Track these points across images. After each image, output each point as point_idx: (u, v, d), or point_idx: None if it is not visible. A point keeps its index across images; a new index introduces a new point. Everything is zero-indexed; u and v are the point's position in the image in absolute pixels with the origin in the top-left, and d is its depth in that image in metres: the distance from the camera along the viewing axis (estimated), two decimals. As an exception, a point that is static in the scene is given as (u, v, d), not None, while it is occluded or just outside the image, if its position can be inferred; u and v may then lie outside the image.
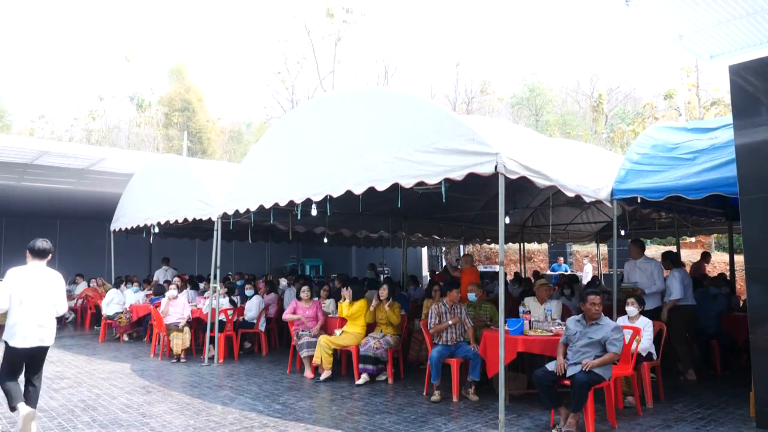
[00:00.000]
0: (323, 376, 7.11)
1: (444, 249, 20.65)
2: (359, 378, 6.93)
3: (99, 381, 7.20)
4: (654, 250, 23.62)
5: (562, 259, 18.68)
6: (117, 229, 11.99)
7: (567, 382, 4.89)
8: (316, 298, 8.47)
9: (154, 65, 61.63)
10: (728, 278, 9.93)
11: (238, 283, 12.40)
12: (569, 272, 16.35)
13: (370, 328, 7.41)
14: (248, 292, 9.59)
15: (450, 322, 6.27)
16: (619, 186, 6.45)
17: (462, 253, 21.37)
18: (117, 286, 11.51)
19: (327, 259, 21.30)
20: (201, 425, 5.21)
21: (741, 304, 8.46)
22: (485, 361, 5.94)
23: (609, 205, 6.49)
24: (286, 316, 8.00)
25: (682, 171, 6.24)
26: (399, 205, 6.99)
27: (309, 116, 7.28)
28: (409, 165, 5.70)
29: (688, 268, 9.51)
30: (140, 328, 11.07)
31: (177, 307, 9.00)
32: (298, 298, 8.21)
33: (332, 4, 34.57)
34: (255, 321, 9.19)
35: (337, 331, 7.36)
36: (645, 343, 5.88)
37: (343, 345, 7.18)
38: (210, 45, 66.29)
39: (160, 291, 10.70)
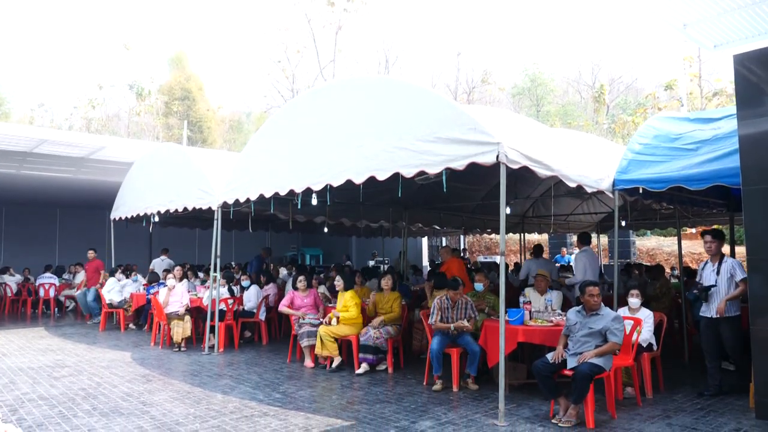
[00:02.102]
0: (335, 364, 7.11)
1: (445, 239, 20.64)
2: (359, 367, 6.94)
3: (99, 369, 7.22)
4: (654, 242, 23.65)
5: (564, 250, 18.69)
6: (117, 218, 11.98)
7: (568, 372, 4.90)
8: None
9: (154, 54, 61.36)
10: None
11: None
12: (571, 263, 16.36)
13: (367, 316, 7.42)
14: (245, 282, 9.58)
15: (452, 327, 6.18)
16: (621, 176, 6.42)
17: (462, 244, 21.41)
18: (112, 274, 11.49)
19: (327, 248, 21.31)
20: (201, 414, 5.22)
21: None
22: (486, 352, 5.94)
23: (610, 195, 6.46)
24: (282, 308, 7.98)
25: (684, 161, 6.21)
26: (399, 195, 6.97)
27: (309, 105, 7.24)
28: (410, 154, 5.67)
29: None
30: (139, 318, 11.11)
31: (176, 296, 9.01)
32: (295, 288, 8.21)
33: (333, -7, 34.29)
34: (255, 310, 9.20)
35: (333, 321, 7.28)
36: (645, 334, 5.88)
37: (343, 335, 7.18)
38: (210, 34, 65.93)
39: (154, 279, 10.71)
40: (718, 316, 5.67)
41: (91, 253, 12.72)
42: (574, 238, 21.69)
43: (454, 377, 6.12)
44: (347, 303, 7.29)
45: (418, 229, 14.69)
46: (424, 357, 7.13)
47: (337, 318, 7.23)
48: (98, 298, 11.73)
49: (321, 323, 7.41)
